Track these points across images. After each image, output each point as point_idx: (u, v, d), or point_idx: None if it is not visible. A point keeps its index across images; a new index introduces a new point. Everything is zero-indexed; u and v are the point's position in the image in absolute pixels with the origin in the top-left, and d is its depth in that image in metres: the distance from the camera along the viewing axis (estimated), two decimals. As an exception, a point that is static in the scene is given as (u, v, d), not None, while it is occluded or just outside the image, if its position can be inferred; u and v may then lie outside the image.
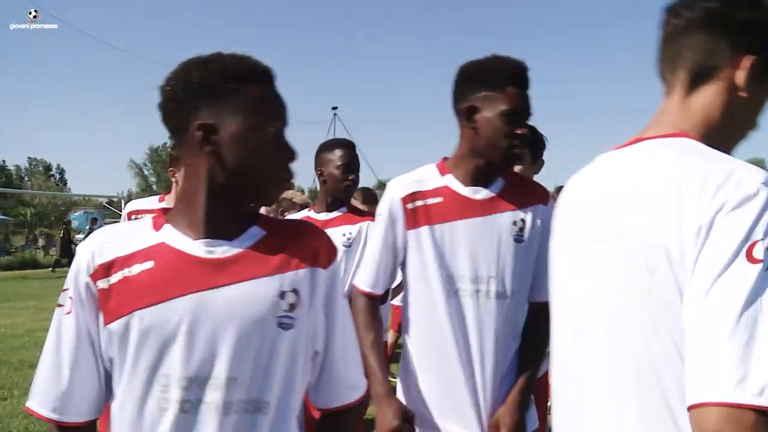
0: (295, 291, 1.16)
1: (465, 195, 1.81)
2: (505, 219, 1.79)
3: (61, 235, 20.61)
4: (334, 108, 49.77)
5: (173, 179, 3.01)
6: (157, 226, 1.17)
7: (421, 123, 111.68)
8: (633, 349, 0.98)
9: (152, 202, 3.16)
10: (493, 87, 1.72)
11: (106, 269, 1.12)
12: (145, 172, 59.75)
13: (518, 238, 1.80)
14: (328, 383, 1.26)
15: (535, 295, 1.84)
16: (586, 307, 1.09)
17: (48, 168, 63.16)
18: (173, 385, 1.08)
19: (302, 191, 5.30)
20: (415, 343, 1.86)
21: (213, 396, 1.08)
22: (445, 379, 1.78)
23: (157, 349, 1.09)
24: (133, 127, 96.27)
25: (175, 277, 1.11)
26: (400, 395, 1.89)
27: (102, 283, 1.12)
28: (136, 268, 1.12)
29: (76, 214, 36.48)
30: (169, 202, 3.09)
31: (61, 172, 64.99)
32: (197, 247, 1.13)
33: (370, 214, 2.99)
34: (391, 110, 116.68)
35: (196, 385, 1.08)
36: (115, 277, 1.12)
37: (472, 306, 1.77)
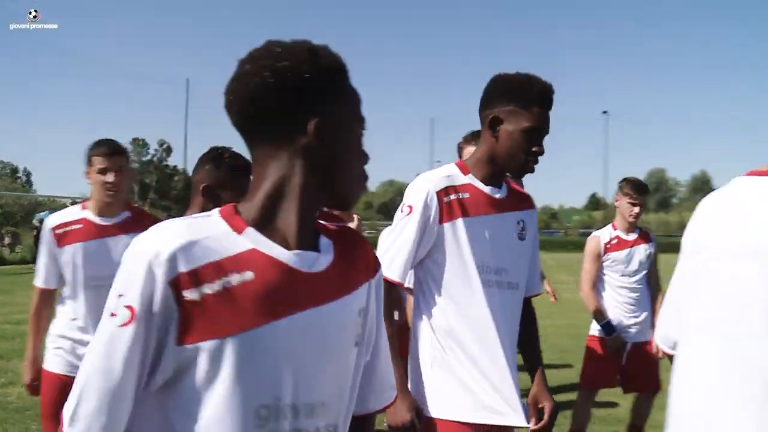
0: (366, 306, 1.11)
1: (487, 193, 1.95)
2: (513, 218, 1.99)
3: (34, 234, 20.23)
4: None
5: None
6: (236, 228, 0.98)
7: (372, 123, 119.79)
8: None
9: (74, 213, 2.77)
10: (520, 104, 1.85)
11: (195, 277, 0.91)
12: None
13: (521, 236, 2.01)
14: (371, 388, 1.20)
15: (532, 289, 2.10)
16: (729, 320, 1.05)
17: (15, 171, 64.80)
18: (278, 414, 0.95)
19: None
20: (451, 332, 1.90)
21: (312, 424, 0.99)
22: (489, 365, 1.88)
23: (261, 374, 0.93)
24: (98, 128, 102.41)
25: (281, 293, 0.96)
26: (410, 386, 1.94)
27: (191, 294, 0.90)
28: (235, 279, 0.93)
29: (41, 214, 42.67)
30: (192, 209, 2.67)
31: (28, 174, 67.17)
32: (296, 259, 0.99)
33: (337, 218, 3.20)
34: None
35: (303, 413, 0.97)
36: (210, 288, 0.91)
37: (499, 295, 1.92)
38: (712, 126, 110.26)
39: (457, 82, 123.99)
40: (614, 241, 3.94)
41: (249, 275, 0.94)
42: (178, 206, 52.61)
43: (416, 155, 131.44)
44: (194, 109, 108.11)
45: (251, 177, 1.57)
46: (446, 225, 1.88)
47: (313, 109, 0.99)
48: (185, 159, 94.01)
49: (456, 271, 1.89)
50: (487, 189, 1.95)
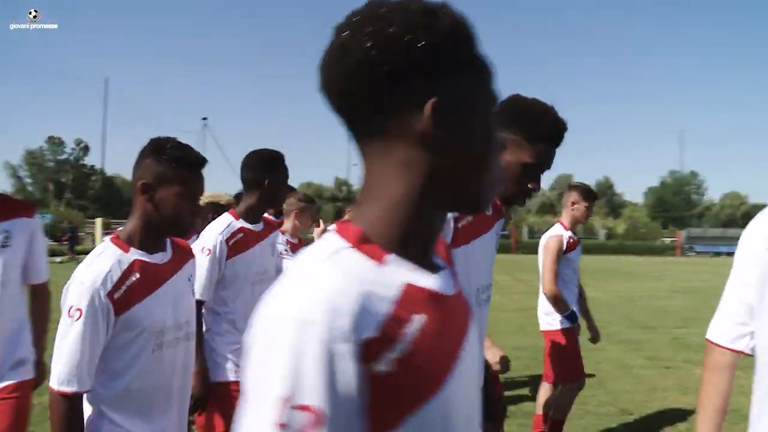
0: None
1: (487, 215, 1.86)
2: (496, 231, 1.94)
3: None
4: (204, 119, 55.32)
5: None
6: (377, 257, 0.73)
7: (292, 132, 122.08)
8: None
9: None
10: (527, 137, 1.74)
11: (382, 342, 0.67)
12: (20, 174, 60.75)
13: (496, 247, 1.98)
14: None
15: None
16: None
17: None
18: None
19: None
20: None
21: None
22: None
23: None
24: (8, 128, 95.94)
25: (453, 337, 0.78)
26: None
27: (383, 365, 0.66)
28: (415, 329, 0.70)
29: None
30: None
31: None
32: (441, 283, 0.78)
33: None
34: (262, 121, 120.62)
35: None
36: (400, 350, 0.68)
37: (485, 311, 1.89)
38: (614, 134, 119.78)
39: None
40: (571, 241, 4.16)
41: (422, 319, 0.71)
42: (96, 206, 52.21)
43: (333, 157, 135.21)
44: (113, 107, 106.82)
45: (202, 176, 1.73)
46: (459, 251, 1.70)
47: (431, 87, 0.74)
48: (103, 158, 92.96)
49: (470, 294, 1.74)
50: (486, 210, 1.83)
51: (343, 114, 0.79)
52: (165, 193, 1.77)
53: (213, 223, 2.88)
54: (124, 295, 1.71)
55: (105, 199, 56.27)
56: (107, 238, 1.84)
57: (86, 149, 62.54)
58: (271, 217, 3.52)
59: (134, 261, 1.77)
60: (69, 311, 1.66)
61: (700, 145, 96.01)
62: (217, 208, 4.14)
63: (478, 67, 0.80)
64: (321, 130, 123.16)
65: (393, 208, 0.77)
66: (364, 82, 0.75)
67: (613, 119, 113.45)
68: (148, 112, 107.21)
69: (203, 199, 4.26)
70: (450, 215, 1.64)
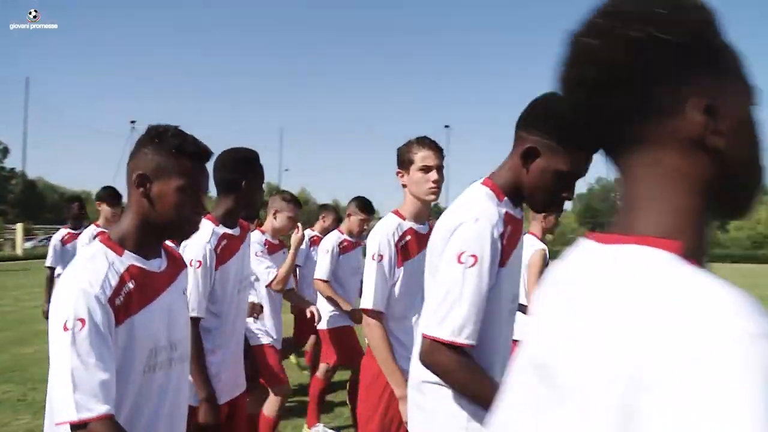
0: None
1: (519, 219, 1.76)
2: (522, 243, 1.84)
3: None
4: (133, 122, 56.51)
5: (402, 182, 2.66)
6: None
7: (222, 136, 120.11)
8: None
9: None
10: (563, 142, 1.60)
11: None
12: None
13: None
14: None
15: None
16: None
17: None
18: None
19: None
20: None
21: None
22: None
23: None
24: None
25: None
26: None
27: None
28: None
29: None
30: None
31: None
32: None
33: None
34: (192, 125, 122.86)
35: None
36: None
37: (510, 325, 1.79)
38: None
39: (306, 94, 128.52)
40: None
41: None
42: (16, 210, 50.84)
43: (265, 162, 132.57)
44: (35, 109, 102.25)
45: (207, 170, 1.54)
46: (503, 271, 1.64)
47: (704, 86, 0.66)
48: (24, 161, 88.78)
49: (492, 310, 1.63)
50: (519, 215, 1.75)
51: (598, 117, 0.71)
52: (164, 186, 1.54)
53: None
54: (124, 302, 1.48)
55: (26, 203, 53.90)
56: (96, 240, 1.59)
57: (6, 151, 59.91)
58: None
59: (129, 266, 1.53)
60: (65, 324, 1.37)
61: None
62: None
63: (740, 62, 0.71)
64: (252, 134, 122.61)
65: (686, 220, 0.67)
66: (631, 76, 0.66)
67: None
68: (73, 114, 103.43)
69: None
70: (498, 234, 1.62)
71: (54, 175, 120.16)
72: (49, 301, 5.72)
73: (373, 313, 2.60)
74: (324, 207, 6.38)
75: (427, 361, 1.62)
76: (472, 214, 1.63)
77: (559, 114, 1.57)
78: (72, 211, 6.02)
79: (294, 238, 4.00)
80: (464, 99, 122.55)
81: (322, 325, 4.50)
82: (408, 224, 2.70)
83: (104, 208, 5.25)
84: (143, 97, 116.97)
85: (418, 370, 1.73)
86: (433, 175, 2.62)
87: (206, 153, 1.63)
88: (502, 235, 1.64)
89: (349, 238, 4.81)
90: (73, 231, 5.96)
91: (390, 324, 2.64)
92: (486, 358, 1.66)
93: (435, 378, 1.64)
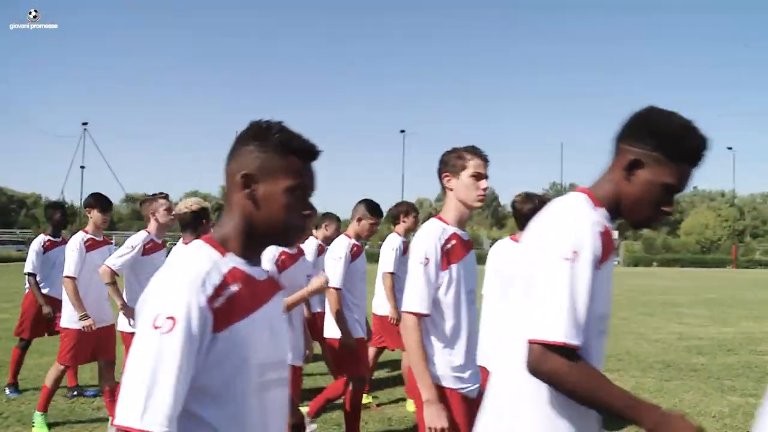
0: None
1: (612, 233, 1.71)
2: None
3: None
4: (84, 124, 55.54)
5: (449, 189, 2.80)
6: None
7: (177, 140, 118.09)
8: None
9: None
10: (669, 156, 1.61)
11: None
12: None
13: None
14: None
15: None
16: None
17: None
18: None
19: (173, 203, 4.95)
20: None
21: None
22: None
23: None
24: None
25: None
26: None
27: None
28: None
29: None
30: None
31: None
32: None
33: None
34: (146, 129, 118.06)
35: None
36: None
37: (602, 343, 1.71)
38: (498, 148, 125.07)
39: (262, 94, 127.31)
40: None
41: None
42: None
43: (219, 166, 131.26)
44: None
45: (314, 171, 1.40)
46: (601, 268, 1.60)
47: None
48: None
49: (593, 322, 1.59)
50: (613, 229, 1.72)
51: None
52: (271, 187, 1.41)
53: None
54: (225, 305, 1.31)
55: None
56: (197, 240, 1.47)
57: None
58: None
59: (233, 268, 1.38)
60: (155, 321, 1.23)
61: (578, 158, 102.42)
62: (207, 215, 3.95)
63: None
64: (206, 138, 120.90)
65: None
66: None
67: (495, 133, 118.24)
68: (22, 116, 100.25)
69: (190, 205, 4.03)
70: (601, 230, 1.61)
71: (2, 178, 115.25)
72: (47, 303, 6.11)
73: (415, 316, 2.62)
74: (327, 215, 6.40)
75: (538, 370, 1.53)
76: (573, 215, 1.63)
77: (665, 127, 1.63)
78: (54, 218, 6.08)
79: (316, 282, 3.86)
80: (420, 103, 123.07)
81: (331, 334, 4.61)
82: (452, 229, 2.77)
83: (95, 215, 5.16)
84: (94, 100, 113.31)
85: (504, 391, 1.69)
86: (484, 183, 2.75)
87: (315, 151, 1.48)
88: (603, 235, 1.61)
89: (357, 243, 4.81)
90: (53, 238, 6.09)
91: (428, 325, 2.69)
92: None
93: (526, 402, 1.63)
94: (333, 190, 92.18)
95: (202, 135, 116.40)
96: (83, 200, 5.13)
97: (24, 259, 6.95)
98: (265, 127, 1.43)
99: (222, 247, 1.41)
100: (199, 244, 1.43)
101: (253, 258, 1.46)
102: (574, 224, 1.59)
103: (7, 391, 6.06)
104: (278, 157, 1.41)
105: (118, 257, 4.68)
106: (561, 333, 1.50)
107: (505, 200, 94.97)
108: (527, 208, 3.80)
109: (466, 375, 2.71)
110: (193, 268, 1.32)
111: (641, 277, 31.24)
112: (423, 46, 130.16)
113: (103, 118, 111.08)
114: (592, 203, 1.69)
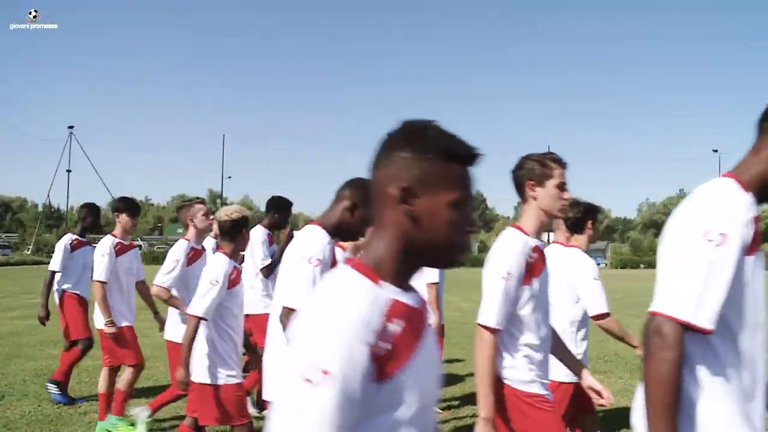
0: None
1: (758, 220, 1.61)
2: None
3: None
4: (71, 127, 55.22)
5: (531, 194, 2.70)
6: None
7: (164, 143, 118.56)
8: None
9: None
10: None
11: None
12: None
13: None
14: None
15: None
16: None
17: None
18: None
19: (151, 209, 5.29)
20: (745, 392, 1.59)
21: None
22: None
23: None
24: None
25: None
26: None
27: None
28: None
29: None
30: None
31: None
32: None
33: None
34: (131, 133, 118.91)
35: None
36: None
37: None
38: (488, 153, 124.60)
39: (248, 102, 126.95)
40: None
41: None
42: None
43: (207, 169, 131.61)
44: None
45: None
46: (750, 258, 1.54)
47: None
48: None
49: (738, 314, 1.55)
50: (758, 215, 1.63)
51: None
52: (433, 202, 1.19)
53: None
54: (390, 353, 1.11)
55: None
56: (346, 266, 1.23)
57: None
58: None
59: (393, 302, 1.17)
60: (306, 372, 1.03)
61: (578, 158, 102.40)
62: (246, 224, 3.84)
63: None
64: (194, 141, 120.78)
65: None
66: None
67: (487, 138, 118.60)
68: (6, 120, 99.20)
69: (230, 213, 3.74)
70: (752, 216, 1.56)
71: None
72: (46, 305, 6.02)
73: (492, 331, 2.55)
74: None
75: (645, 334, 1.51)
76: (718, 196, 1.59)
77: None
78: (87, 219, 6.14)
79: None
80: (420, 103, 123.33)
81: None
82: (533, 242, 2.68)
83: (124, 219, 5.20)
84: (80, 104, 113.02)
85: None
86: (568, 194, 2.71)
87: (478, 155, 1.25)
88: (755, 220, 1.56)
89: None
90: (80, 238, 6.11)
91: (505, 340, 2.62)
92: (733, 373, 1.57)
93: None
94: (333, 190, 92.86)
95: (189, 137, 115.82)
96: (113, 204, 5.33)
97: (9, 264, 6.79)
98: (420, 128, 1.22)
99: (375, 274, 1.19)
100: (353, 274, 1.19)
101: (406, 284, 1.24)
102: (722, 206, 1.55)
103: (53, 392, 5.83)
104: (439, 164, 1.19)
105: (165, 274, 4.52)
106: (687, 310, 1.47)
107: (492, 203, 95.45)
108: (573, 213, 3.91)
109: (542, 389, 2.66)
110: (353, 308, 1.10)
111: (628, 279, 31.41)
112: (423, 46, 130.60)
113: (90, 121, 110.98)
114: (741, 188, 1.63)
